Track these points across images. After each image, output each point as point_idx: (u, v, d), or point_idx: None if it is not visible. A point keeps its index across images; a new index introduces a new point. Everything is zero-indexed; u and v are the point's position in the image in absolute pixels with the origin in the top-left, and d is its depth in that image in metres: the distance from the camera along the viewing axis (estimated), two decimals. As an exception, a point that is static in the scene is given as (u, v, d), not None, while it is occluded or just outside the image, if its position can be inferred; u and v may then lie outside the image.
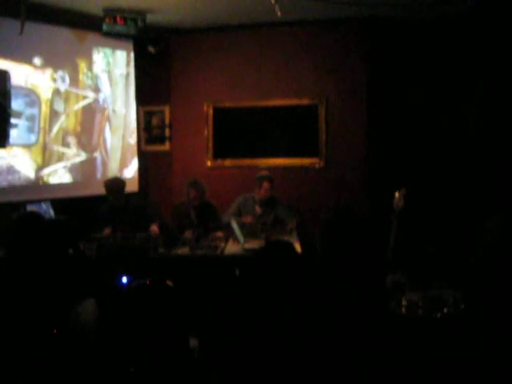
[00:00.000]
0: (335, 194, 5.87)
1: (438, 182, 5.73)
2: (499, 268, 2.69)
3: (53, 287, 2.69)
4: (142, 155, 6.49)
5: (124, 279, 4.15)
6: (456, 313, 2.77)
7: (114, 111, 6.19)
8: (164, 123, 6.48)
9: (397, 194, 3.95)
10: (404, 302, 2.90)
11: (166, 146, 6.49)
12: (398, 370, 2.33)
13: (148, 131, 6.52)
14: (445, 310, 2.81)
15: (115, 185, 5.12)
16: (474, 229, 3.18)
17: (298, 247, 4.41)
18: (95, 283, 2.90)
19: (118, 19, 5.38)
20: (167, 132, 6.47)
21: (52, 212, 5.45)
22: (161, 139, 6.52)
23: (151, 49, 6.18)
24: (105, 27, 5.42)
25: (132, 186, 6.11)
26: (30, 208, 5.18)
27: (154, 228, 4.89)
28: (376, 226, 4.36)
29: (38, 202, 5.40)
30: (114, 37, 5.75)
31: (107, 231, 4.81)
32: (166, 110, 6.44)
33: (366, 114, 5.90)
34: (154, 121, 6.52)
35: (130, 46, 6.18)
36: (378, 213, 4.96)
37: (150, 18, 5.50)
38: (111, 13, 5.36)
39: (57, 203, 5.55)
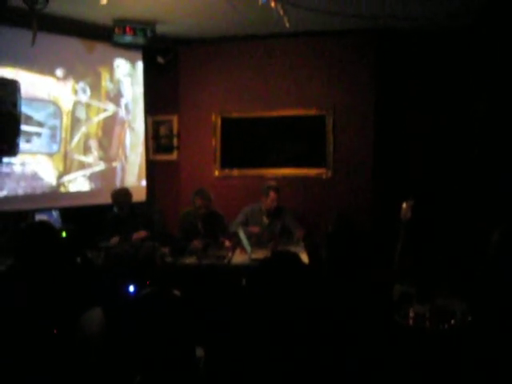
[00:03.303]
0: (342, 204, 5.86)
1: (446, 193, 5.71)
2: (504, 280, 2.68)
3: (60, 296, 2.70)
4: (150, 164, 6.52)
5: (131, 288, 4.16)
6: (463, 325, 2.75)
7: (132, 128, 6.26)
8: (172, 133, 6.50)
9: (404, 205, 3.94)
10: (411, 314, 2.89)
11: (174, 156, 6.51)
12: (405, 381, 2.32)
13: (156, 140, 6.55)
14: (452, 322, 2.79)
15: (121, 196, 5.14)
16: (481, 240, 3.17)
17: (304, 258, 4.40)
18: (102, 292, 2.91)
19: (128, 29, 5.44)
20: (175, 141, 6.49)
21: (60, 221, 5.49)
22: (169, 149, 6.53)
23: (160, 59, 6.21)
24: (115, 37, 5.48)
25: (140, 195, 6.13)
26: (39, 217, 5.22)
27: (140, 233, 4.90)
28: (383, 237, 4.35)
29: (50, 210, 5.47)
30: (124, 47, 5.80)
31: (115, 240, 4.83)
32: (174, 119, 6.46)
33: (374, 125, 5.90)
34: (162, 130, 6.54)
35: (140, 56, 6.22)
36: (386, 223, 4.95)
37: (158, 28, 5.55)
38: (121, 23, 5.42)
39: (65, 212, 5.58)
